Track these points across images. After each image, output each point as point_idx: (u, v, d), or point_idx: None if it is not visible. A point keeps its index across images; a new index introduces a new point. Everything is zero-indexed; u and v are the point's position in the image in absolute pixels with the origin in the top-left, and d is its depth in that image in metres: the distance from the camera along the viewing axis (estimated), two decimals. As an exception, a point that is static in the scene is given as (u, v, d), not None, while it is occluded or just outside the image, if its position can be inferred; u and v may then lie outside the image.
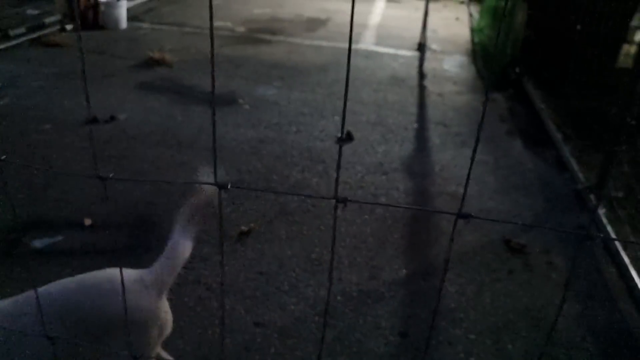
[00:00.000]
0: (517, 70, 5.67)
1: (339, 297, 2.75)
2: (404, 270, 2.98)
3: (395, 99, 5.32)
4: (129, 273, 1.68)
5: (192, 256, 2.90)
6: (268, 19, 8.05)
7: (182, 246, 1.73)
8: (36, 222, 3.14)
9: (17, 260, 2.83)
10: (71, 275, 1.68)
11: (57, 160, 3.75)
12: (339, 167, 0.87)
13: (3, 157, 0.77)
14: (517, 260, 3.10)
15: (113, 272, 1.66)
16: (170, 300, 2.55)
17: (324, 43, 7.02)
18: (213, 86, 0.71)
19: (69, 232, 3.05)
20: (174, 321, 2.49)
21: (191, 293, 2.66)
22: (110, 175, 0.72)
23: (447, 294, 2.84)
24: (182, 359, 2.31)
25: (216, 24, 7.63)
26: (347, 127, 4.48)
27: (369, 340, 2.51)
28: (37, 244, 2.95)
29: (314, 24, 7.98)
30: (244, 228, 3.15)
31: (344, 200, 0.82)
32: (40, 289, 1.61)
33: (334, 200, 0.77)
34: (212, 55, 0.68)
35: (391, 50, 6.86)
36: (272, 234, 3.16)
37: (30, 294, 1.59)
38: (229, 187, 0.80)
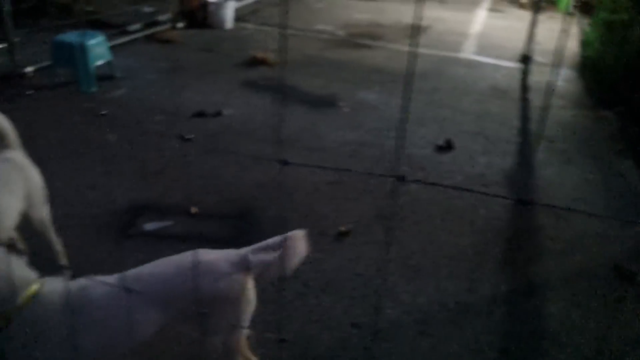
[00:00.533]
0: (631, 86, 5.31)
1: (435, 307, 2.69)
2: (504, 287, 2.87)
3: (496, 110, 5.16)
4: (218, 254, 1.76)
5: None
6: (368, 24, 8.07)
7: (274, 259, 1.78)
8: (148, 206, 3.33)
9: (130, 240, 3.01)
10: (178, 252, 1.78)
11: (166, 149, 3.96)
12: (398, 146, 0.84)
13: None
14: (627, 287, 2.90)
15: (202, 253, 1.74)
16: (267, 291, 2.62)
17: (424, 50, 6.92)
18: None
19: (177, 218, 3.21)
20: (273, 314, 2.55)
21: (289, 288, 2.71)
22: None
23: (550, 314, 2.70)
24: (281, 352, 2.35)
25: (318, 27, 7.77)
26: (448, 136, 4.39)
27: (467, 353, 2.44)
28: (148, 226, 3.13)
29: (414, 31, 7.91)
30: (342, 228, 3.17)
31: (403, 178, 0.81)
32: (142, 267, 1.71)
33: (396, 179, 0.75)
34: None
35: (493, 61, 6.66)
36: (369, 236, 3.16)
37: (135, 271, 1.69)
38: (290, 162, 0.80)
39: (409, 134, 4.48)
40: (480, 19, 8.87)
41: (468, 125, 4.73)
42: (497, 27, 8.44)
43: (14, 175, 2.25)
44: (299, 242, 1.81)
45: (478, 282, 2.87)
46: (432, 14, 9.01)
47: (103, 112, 4.46)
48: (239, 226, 3.19)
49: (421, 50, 6.93)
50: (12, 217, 2.19)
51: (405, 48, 6.99)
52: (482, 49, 7.10)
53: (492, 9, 9.63)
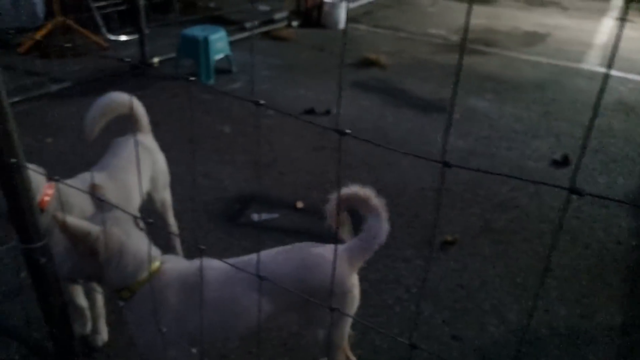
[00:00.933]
0: None
1: (543, 330, 2.54)
2: (621, 317, 2.65)
3: (621, 126, 4.78)
4: (325, 247, 1.76)
5: (394, 257, 2.94)
6: (483, 30, 7.81)
7: (375, 229, 1.75)
8: (257, 197, 3.45)
9: (239, 229, 3.13)
10: (283, 245, 1.81)
11: (277, 144, 4.07)
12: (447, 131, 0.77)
13: (348, 131, 0.81)
14: None
15: (310, 245, 1.77)
16: (369, 294, 2.61)
17: (542, 59, 6.59)
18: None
19: (283, 212, 3.29)
20: (372, 314, 2.54)
21: (391, 292, 2.69)
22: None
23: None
24: (378, 356, 2.34)
25: (430, 31, 7.65)
26: (564, 151, 4.14)
27: (577, 385, 2.28)
28: (256, 217, 3.24)
29: (531, 38, 7.55)
30: (448, 237, 3.09)
31: (449, 165, 0.75)
32: (254, 255, 1.75)
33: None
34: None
35: (619, 73, 6.18)
36: (475, 248, 3.05)
37: (246, 258, 1.74)
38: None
39: (522, 146, 4.28)
40: (606, 29, 8.27)
41: (591, 142, 4.43)
42: (625, 37, 7.82)
43: (143, 157, 2.41)
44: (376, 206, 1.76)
45: (592, 309, 2.68)
46: (552, 22, 8.55)
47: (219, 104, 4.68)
48: (342, 224, 3.21)
49: (539, 59, 6.60)
50: (139, 197, 2.35)
51: (522, 56, 6.69)
52: (607, 61, 6.62)
53: (621, 18, 8.95)
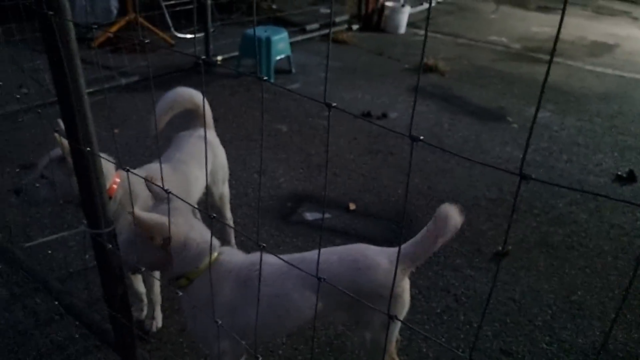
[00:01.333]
0: None
1: (601, 354, 2.46)
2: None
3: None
4: (378, 250, 1.76)
5: (444, 264, 2.92)
6: (547, 38, 7.60)
7: (430, 238, 1.73)
8: (310, 196, 3.49)
9: (291, 226, 3.18)
10: (333, 244, 1.83)
11: (332, 145, 4.11)
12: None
13: (421, 137, 0.82)
14: None
15: (363, 247, 1.77)
16: (417, 301, 2.60)
17: (609, 70, 6.34)
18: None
19: (335, 212, 3.32)
20: (420, 321, 2.53)
21: (439, 300, 2.66)
22: (533, 176, 0.72)
23: None
24: (424, 361, 2.33)
25: (490, 38, 7.51)
26: (630, 166, 3.98)
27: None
28: (309, 216, 3.28)
29: (598, 49, 7.28)
30: (500, 248, 3.04)
31: (527, 177, 0.71)
32: (306, 254, 1.78)
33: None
34: None
35: (693, 88, 5.88)
36: (529, 262, 2.98)
37: (300, 255, 1.77)
38: (532, 177, 0.74)
39: (583, 159, 4.14)
40: (681, 41, 7.88)
41: (655, 157, 4.24)
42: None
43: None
44: (450, 218, 1.71)
45: (653, 335, 2.57)
46: (622, 32, 8.23)
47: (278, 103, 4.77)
48: (393, 229, 3.21)
49: (605, 70, 6.36)
50: (199, 190, 2.44)
51: (587, 66, 6.46)
52: (680, 75, 6.31)
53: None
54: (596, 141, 4.47)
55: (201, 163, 2.44)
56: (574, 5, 10.43)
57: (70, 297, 2.32)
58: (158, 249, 1.52)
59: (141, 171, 2.15)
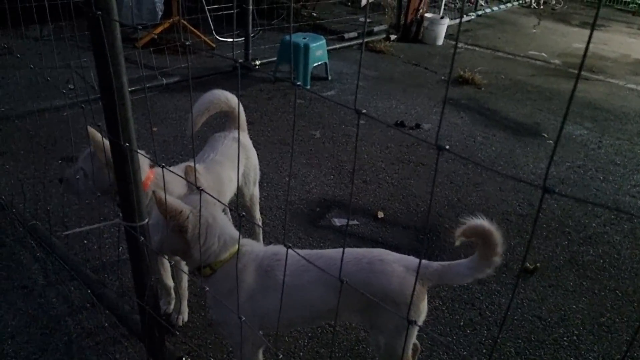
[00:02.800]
0: None
1: (624, 375, 2.40)
2: None
3: None
4: (398, 257, 1.76)
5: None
6: (589, 55, 7.46)
7: (458, 269, 1.72)
8: (339, 202, 3.52)
9: (319, 231, 3.22)
10: None
11: (364, 153, 4.14)
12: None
13: (447, 147, 0.84)
14: None
15: (385, 253, 1.77)
16: (441, 312, 2.60)
17: (653, 90, 6.20)
18: None
19: (363, 219, 3.34)
20: (442, 332, 2.52)
21: (463, 313, 2.65)
22: (556, 190, 0.73)
23: None
24: (444, 373, 2.32)
25: (530, 53, 7.41)
26: (669, 190, 3.88)
27: None
28: (337, 222, 3.31)
29: (643, 68, 7.11)
30: (528, 265, 3.00)
31: (550, 191, 0.70)
32: (325, 251, 1.81)
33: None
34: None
35: None
36: (557, 280, 2.94)
37: (319, 252, 1.80)
38: (556, 191, 0.74)
39: (619, 179, 4.05)
40: None
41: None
42: None
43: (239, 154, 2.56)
44: (490, 235, 1.64)
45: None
46: (670, 51, 8.01)
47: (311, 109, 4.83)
48: (420, 239, 3.21)
49: (649, 89, 6.21)
50: (231, 190, 2.50)
51: (629, 85, 6.32)
52: None
53: None
54: (635, 161, 4.37)
55: (234, 164, 2.50)
56: (619, 22, 10.22)
57: (103, 286, 2.40)
58: (178, 235, 1.59)
59: (176, 169, 2.22)
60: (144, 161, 1.98)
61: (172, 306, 2.48)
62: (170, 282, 2.45)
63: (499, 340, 2.50)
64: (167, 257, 2.11)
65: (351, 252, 1.81)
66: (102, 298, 2.39)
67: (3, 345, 2.23)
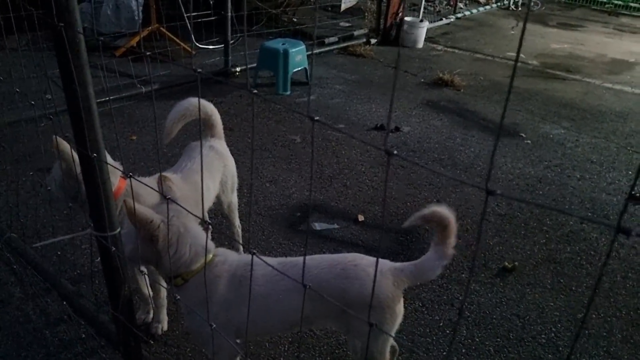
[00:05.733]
0: None
1: (602, 371, 2.44)
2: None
3: None
4: (372, 261, 1.79)
5: (449, 278, 2.92)
6: (565, 55, 7.57)
7: (431, 265, 1.77)
8: (319, 206, 3.53)
9: (299, 235, 3.22)
10: None
11: (344, 157, 4.15)
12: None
13: (395, 152, 0.86)
14: None
15: (358, 257, 1.80)
16: (420, 313, 2.61)
17: (627, 88, 6.30)
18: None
19: (344, 223, 3.35)
20: (422, 334, 2.54)
21: (443, 313, 2.67)
22: (498, 191, 0.74)
23: None
24: (424, 374, 2.34)
25: (508, 54, 7.50)
26: (645, 186, 3.95)
27: None
28: (317, 226, 3.32)
29: (618, 66, 7.23)
30: (507, 264, 3.03)
31: (492, 193, 0.71)
32: (300, 258, 1.84)
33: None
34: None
35: None
36: (535, 279, 2.97)
37: (294, 259, 1.82)
38: (498, 192, 0.75)
39: (596, 177, 4.11)
40: None
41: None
42: None
43: (215, 162, 2.56)
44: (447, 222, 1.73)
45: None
46: (645, 50, 8.15)
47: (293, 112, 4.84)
48: (400, 241, 3.23)
49: (623, 88, 6.31)
50: (210, 199, 2.50)
51: (605, 84, 6.42)
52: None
53: None
54: (610, 159, 4.44)
55: (212, 173, 2.51)
56: (595, 22, 10.38)
57: (80, 297, 2.39)
58: (149, 244, 1.59)
59: (152, 179, 2.21)
60: (114, 172, 1.97)
61: (150, 315, 2.47)
62: (147, 292, 2.44)
63: (478, 340, 2.53)
64: (140, 267, 2.10)
65: (325, 258, 1.83)
66: (79, 310, 2.37)
67: (-21, 360, 2.21)
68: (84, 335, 2.33)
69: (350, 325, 1.81)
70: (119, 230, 1.60)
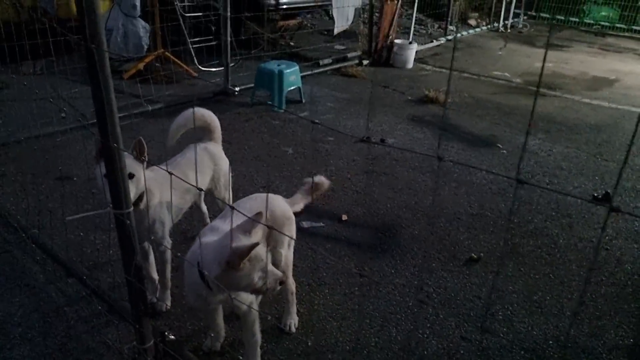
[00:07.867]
0: None
1: (551, 343, 2.79)
2: (632, 340, 2.84)
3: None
4: (278, 196, 2.59)
5: (421, 267, 3.29)
6: (549, 74, 8.00)
7: (304, 192, 2.73)
8: (307, 208, 3.90)
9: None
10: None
11: (333, 166, 4.56)
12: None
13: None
14: None
15: (273, 195, 2.57)
16: (393, 295, 2.96)
17: (604, 103, 6.71)
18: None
19: (329, 222, 3.74)
20: (393, 311, 2.90)
21: (412, 295, 3.04)
22: (444, 158, 1.13)
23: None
24: (393, 345, 2.69)
25: (494, 73, 7.94)
26: (608, 189, 4.33)
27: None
28: (305, 224, 3.70)
29: (598, 83, 7.65)
30: (473, 255, 3.40)
31: (522, 181, 1.09)
32: (239, 201, 2.48)
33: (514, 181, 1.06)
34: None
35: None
36: (499, 268, 3.34)
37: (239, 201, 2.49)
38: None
39: (564, 182, 4.49)
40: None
41: (635, 183, 4.56)
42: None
43: (206, 161, 2.98)
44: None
45: (603, 330, 2.88)
46: (625, 68, 8.60)
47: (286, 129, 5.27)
48: (379, 237, 3.60)
49: (601, 102, 6.73)
50: (193, 191, 2.90)
51: (584, 99, 6.84)
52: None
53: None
54: (579, 166, 4.82)
55: (201, 169, 2.92)
56: (581, 43, 10.85)
57: (97, 281, 2.78)
58: None
59: (150, 172, 2.62)
60: (130, 161, 2.38)
61: (156, 295, 2.86)
62: (155, 275, 2.83)
63: (442, 317, 2.89)
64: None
65: (250, 197, 2.50)
66: (96, 292, 2.76)
67: (10, 331, 2.59)
68: (99, 308, 2.71)
69: (277, 239, 2.46)
70: (132, 208, 2.00)
